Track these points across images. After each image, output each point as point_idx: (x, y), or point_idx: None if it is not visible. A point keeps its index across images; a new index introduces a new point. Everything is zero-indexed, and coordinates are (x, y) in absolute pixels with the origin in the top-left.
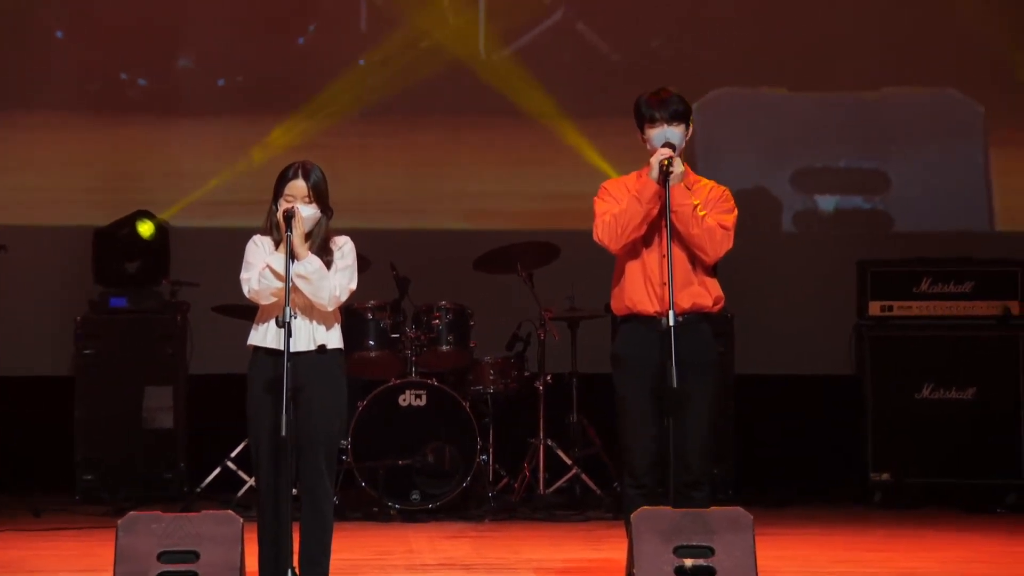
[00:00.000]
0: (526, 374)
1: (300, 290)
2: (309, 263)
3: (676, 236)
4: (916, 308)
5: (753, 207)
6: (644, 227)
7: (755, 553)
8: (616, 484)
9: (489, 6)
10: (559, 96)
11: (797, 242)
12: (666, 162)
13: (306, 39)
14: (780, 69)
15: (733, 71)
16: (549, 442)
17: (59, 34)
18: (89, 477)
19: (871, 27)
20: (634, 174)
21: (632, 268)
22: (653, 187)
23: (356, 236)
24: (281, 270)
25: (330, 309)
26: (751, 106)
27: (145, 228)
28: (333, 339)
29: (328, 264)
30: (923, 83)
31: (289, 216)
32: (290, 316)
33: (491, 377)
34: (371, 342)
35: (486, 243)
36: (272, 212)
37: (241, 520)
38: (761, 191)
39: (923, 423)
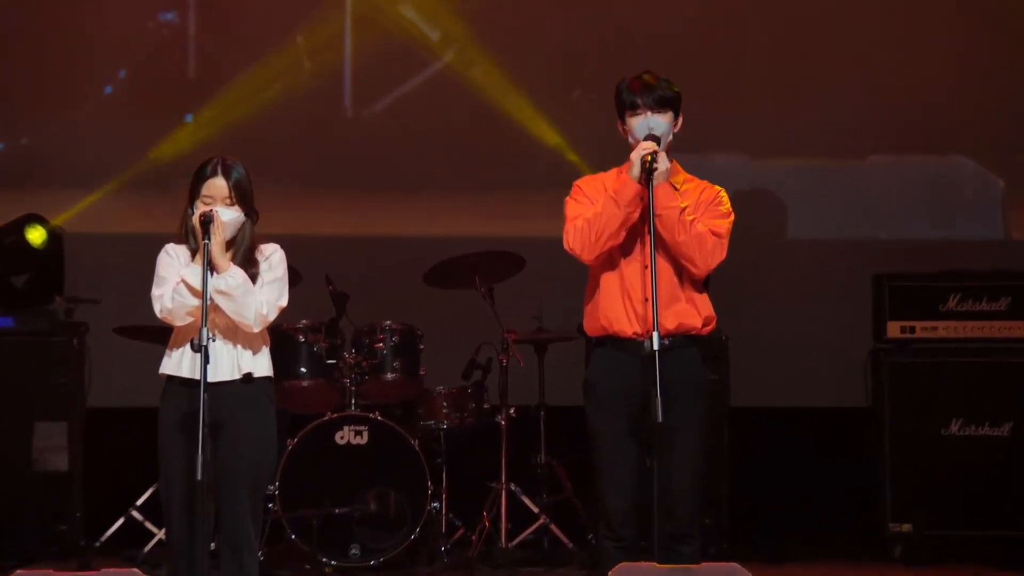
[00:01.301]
0: (485, 407)
1: (221, 308)
2: (231, 276)
3: (661, 244)
4: (943, 329)
5: (751, 209)
6: (623, 233)
7: None
8: (591, 536)
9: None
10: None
11: (802, 251)
12: (649, 157)
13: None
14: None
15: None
16: (512, 487)
17: None
18: None
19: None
20: (613, 171)
21: (609, 282)
22: (634, 187)
23: (286, 244)
24: (198, 285)
25: (256, 330)
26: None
27: (35, 235)
28: (260, 366)
29: (253, 277)
30: None
31: (207, 221)
32: (208, 339)
33: (444, 410)
34: (303, 369)
35: (438, 252)
36: (187, 216)
37: None
38: (760, 191)
39: (951, 465)
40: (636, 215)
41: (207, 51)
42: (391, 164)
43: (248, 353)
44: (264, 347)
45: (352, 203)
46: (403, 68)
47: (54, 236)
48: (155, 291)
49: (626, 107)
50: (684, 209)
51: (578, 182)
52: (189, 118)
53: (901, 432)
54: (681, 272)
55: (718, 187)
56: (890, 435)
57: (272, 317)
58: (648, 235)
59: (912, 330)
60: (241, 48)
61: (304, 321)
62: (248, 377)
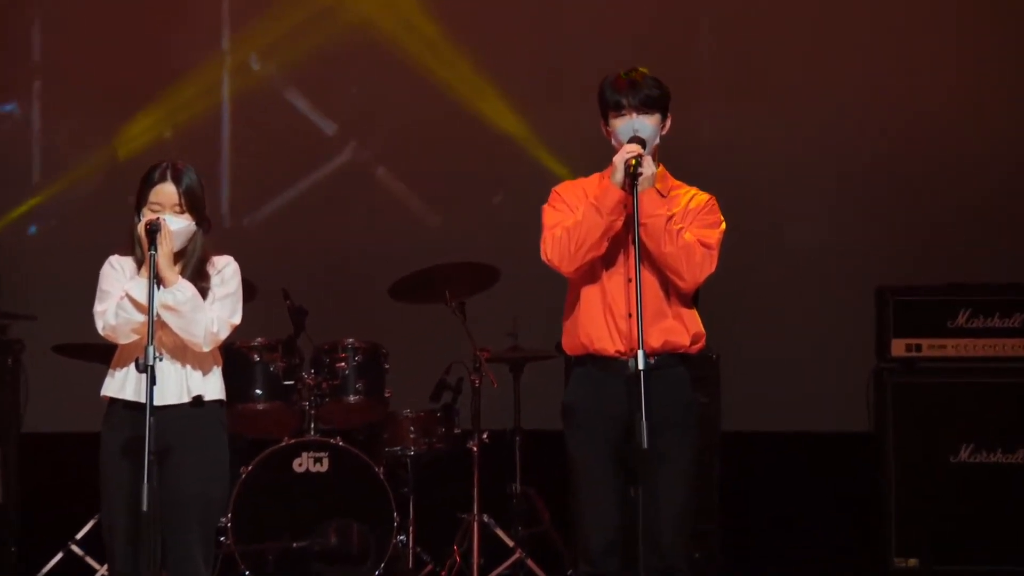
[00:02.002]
0: (456, 431)
1: (168, 325)
2: (180, 291)
3: (646, 256)
4: (952, 347)
5: (743, 216)
6: (605, 244)
7: None
8: (570, 571)
9: None
10: None
11: (799, 260)
12: (634, 162)
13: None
14: None
15: None
16: (485, 518)
17: None
18: None
19: None
20: (595, 176)
21: (590, 296)
22: (617, 193)
23: (240, 255)
24: (144, 300)
25: (206, 349)
26: None
27: None
28: (211, 388)
29: (204, 292)
30: None
31: (154, 230)
32: (155, 359)
33: (412, 435)
34: (258, 391)
35: (405, 263)
36: (133, 225)
37: None
38: (753, 194)
39: (961, 494)
40: (619, 224)
41: None
42: (352, 165)
43: (197, 374)
44: (215, 367)
45: (312, 212)
46: (366, 69)
47: None
48: (97, 306)
49: (609, 107)
50: (671, 217)
51: (557, 188)
52: None
53: (907, 459)
54: (668, 286)
55: (708, 194)
56: (895, 462)
57: (224, 335)
58: (632, 246)
59: (918, 348)
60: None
61: (259, 339)
62: (197, 400)
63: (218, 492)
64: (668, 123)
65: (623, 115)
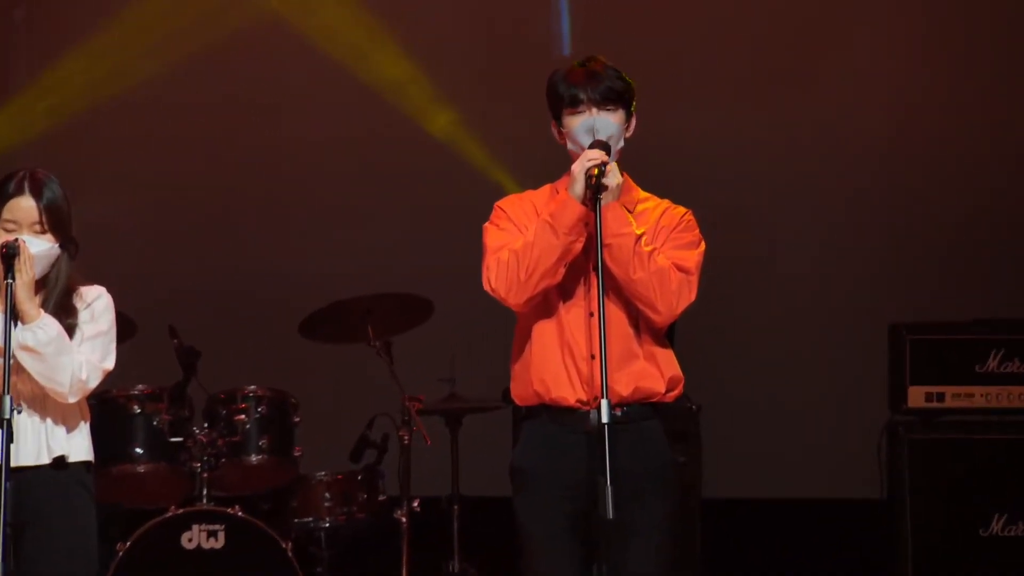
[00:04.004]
0: (381, 498)
1: (27, 370)
2: (42, 329)
3: (611, 284)
4: (981, 396)
5: (729, 236)
6: (562, 270)
7: None
8: None
9: None
10: None
11: (796, 290)
12: (596, 170)
13: None
14: None
15: None
16: None
17: None
18: None
19: None
20: (546, 188)
21: (544, 334)
22: (576, 208)
23: (114, 287)
24: None
25: (72, 400)
26: None
27: None
28: (76, 447)
29: (71, 330)
30: None
31: (11, 254)
32: (11, 411)
33: (327, 503)
34: (139, 450)
35: (318, 294)
36: None
37: None
38: (741, 210)
39: (992, 574)
40: (579, 246)
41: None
42: (256, 176)
43: (61, 430)
44: (82, 423)
45: (204, 228)
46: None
47: None
48: None
49: (563, 103)
50: (641, 237)
51: (500, 203)
52: None
53: (926, 532)
54: (638, 320)
55: (683, 207)
56: (912, 536)
57: (94, 383)
58: (595, 272)
59: (940, 397)
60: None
61: (140, 387)
62: (60, 461)
63: (84, 572)
64: (633, 123)
65: (580, 112)
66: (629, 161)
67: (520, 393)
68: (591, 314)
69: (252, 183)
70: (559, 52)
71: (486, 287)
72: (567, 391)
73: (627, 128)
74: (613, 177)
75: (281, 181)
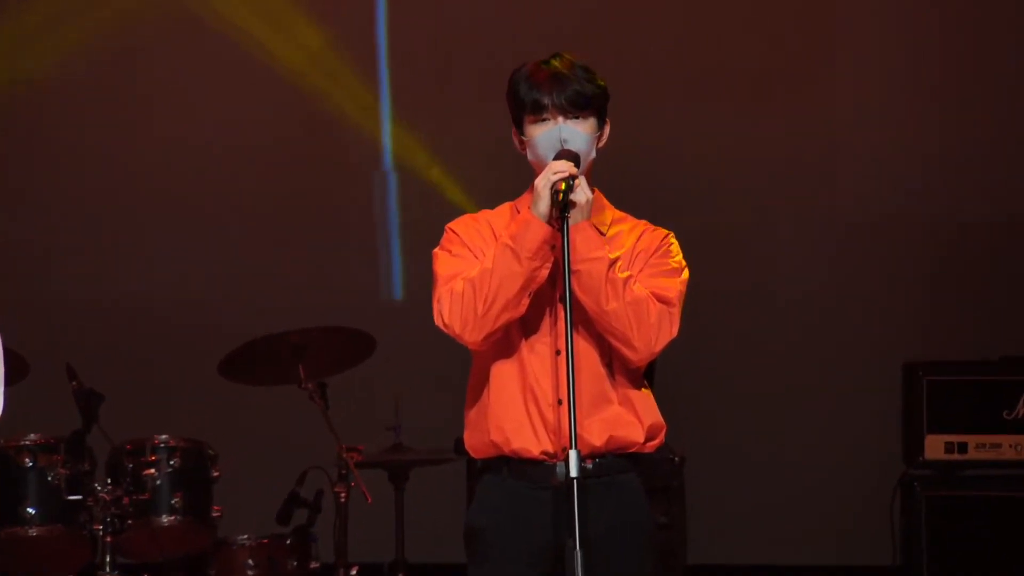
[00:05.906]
0: (314, 566)
1: None
2: None
3: (581, 317)
4: (1009, 448)
5: (718, 264)
6: (526, 301)
7: None
8: None
9: None
10: None
11: (793, 326)
12: (563, 186)
13: None
14: None
15: None
16: None
17: None
18: None
19: None
20: (505, 207)
21: (504, 375)
22: (541, 229)
23: (1, 319)
24: None
25: None
26: None
27: None
28: None
29: None
30: None
31: None
32: None
33: (250, 572)
34: (30, 510)
35: (241, 327)
36: None
37: None
38: (732, 233)
39: None
40: (545, 272)
41: None
42: (168, 189)
43: None
44: None
45: (106, 250)
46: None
47: None
48: None
49: (525, 110)
50: (615, 262)
51: (452, 224)
52: None
53: None
54: (611, 359)
55: (664, 230)
56: None
57: None
58: (561, 303)
59: (963, 448)
60: None
61: (32, 436)
62: None
63: None
64: (607, 131)
65: (544, 120)
66: (602, 175)
67: (476, 443)
68: (558, 352)
69: (163, 195)
70: None
71: (437, 322)
72: (530, 441)
73: (599, 137)
74: (582, 193)
75: (200, 194)
